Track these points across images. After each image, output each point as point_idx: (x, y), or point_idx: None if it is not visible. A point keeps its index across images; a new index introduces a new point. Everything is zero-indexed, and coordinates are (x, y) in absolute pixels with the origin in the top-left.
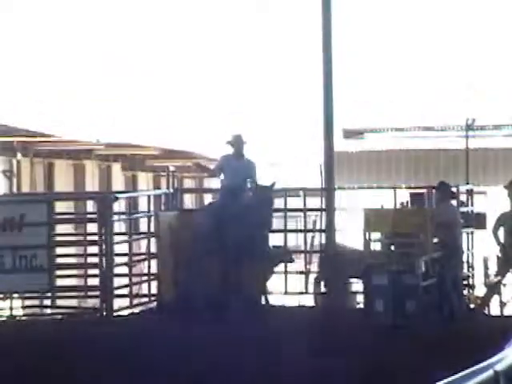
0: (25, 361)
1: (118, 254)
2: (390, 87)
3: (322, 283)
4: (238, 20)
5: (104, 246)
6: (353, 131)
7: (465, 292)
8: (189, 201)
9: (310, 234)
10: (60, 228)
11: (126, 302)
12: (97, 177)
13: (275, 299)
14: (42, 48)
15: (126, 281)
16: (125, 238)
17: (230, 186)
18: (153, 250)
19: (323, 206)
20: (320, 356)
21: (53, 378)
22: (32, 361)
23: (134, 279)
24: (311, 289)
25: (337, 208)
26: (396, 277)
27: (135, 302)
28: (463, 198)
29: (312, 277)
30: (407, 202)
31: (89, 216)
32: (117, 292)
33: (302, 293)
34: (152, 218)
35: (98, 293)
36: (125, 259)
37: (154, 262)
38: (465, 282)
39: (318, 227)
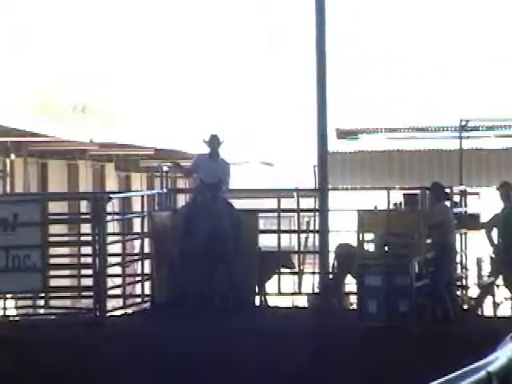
0: (18, 361)
1: (111, 255)
2: (384, 88)
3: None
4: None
5: (97, 247)
6: (346, 132)
7: (458, 293)
8: (182, 201)
9: (303, 235)
10: (53, 228)
11: (119, 302)
12: (90, 177)
13: (269, 300)
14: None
15: (119, 281)
16: (118, 238)
17: (205, 183)
18: (146, 250)
19: (317, 207)
20: (313, 357)
21: (46, 378)
22: (25, 361)
23: (128, 279)
24: (305, 289)
25: (330, 209)
26: (389, 277)
27: (129, 302)
28: (457, 198)
29: (305, 278)
30: (401, 203)
31: (82, 216)
32: (110, 292)
33: (295, 293)
34: (145, 219)
35: (91, 293)
36: (118, 259)
37: (147, 263)
38: (458, 283)
39: (311, 228)
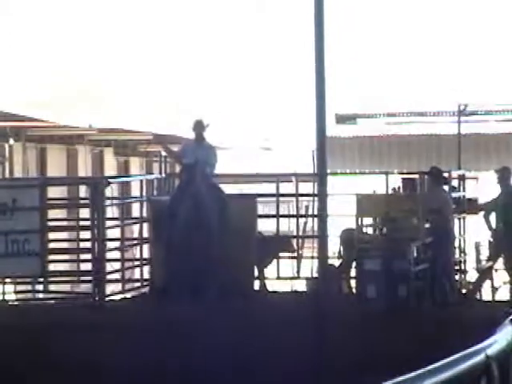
0: (17, 346)
1: (110, 239)
2: (383, 73)
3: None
4: (238, 19)
5: (96, 231)
6: (345, 116)
7: (457, 277)
8: None
9: (302, 220)
10: (52, 213)
11: (118, 287)
12: (89, 162)
13: (267, 284)
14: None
15: (118, 266)
16: (117, 222)
17: (184, 165)
18: (145, 234)
19: (315, 192)
20: (310, 342)
21: (44, 363)
22: (24, 346)
23: (127, 264)
24: (304, 274)
25: (329, 193)
26: (388, 262)
27: (128, 286)
28: (455, 183)
29: (304, 262)
30: (399, 188)
31: (81, 201)
32: (109, 277)
33: (294, 278)
34: (144, 203)
35: (90, 278)
36: (117, 244)
37: (146, 247)
38: (457, 267)
39: (310, 213)
